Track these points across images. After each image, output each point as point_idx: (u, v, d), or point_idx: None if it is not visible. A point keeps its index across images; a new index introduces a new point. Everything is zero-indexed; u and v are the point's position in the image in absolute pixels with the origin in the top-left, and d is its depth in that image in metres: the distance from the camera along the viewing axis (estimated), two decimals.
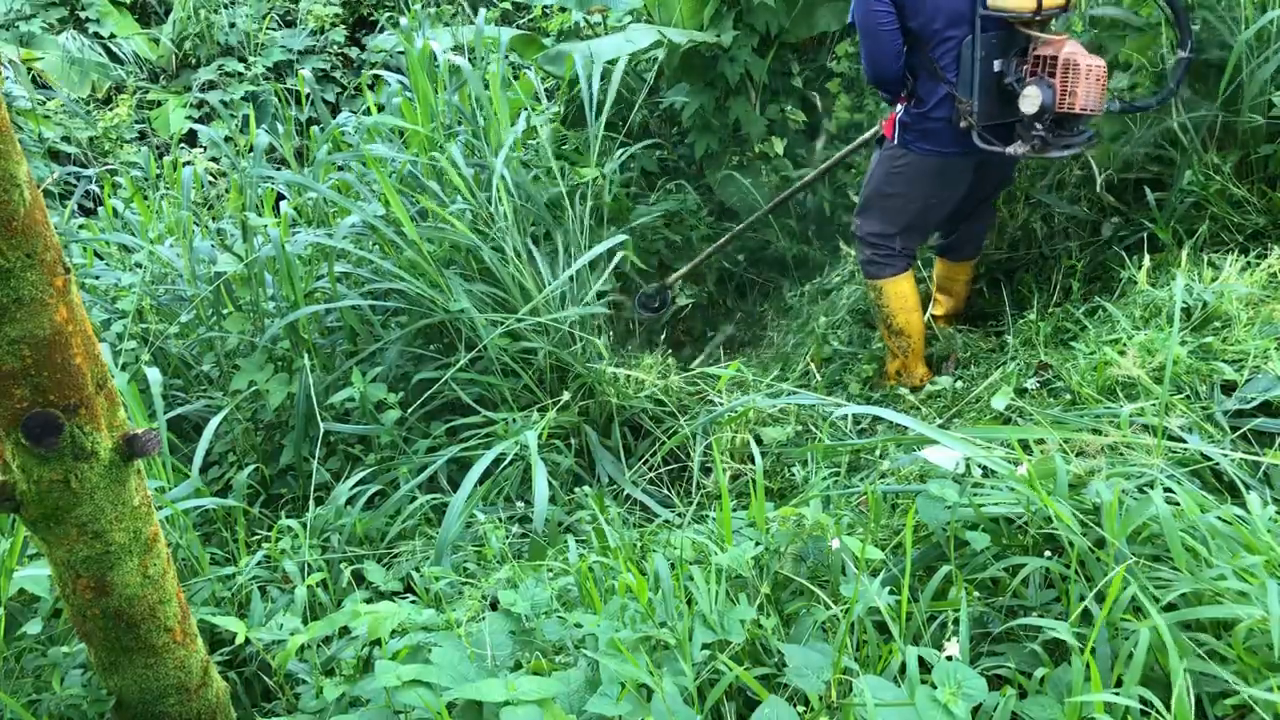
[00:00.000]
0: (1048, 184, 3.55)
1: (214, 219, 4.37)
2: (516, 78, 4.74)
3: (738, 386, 3.24)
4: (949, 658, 1.30)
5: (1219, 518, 1.46)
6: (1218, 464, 1.75)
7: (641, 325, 4.28)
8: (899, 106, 3.00)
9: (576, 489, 2.88)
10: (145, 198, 4.66)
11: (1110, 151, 3.29)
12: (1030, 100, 2.70)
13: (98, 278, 3.89)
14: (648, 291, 4.19)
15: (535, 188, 3.71)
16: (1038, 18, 2.71)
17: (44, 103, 6.97)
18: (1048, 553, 1.51)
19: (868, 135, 3.46)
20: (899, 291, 3.17)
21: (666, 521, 2.57)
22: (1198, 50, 2.88)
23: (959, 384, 2.95)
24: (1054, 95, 2.66)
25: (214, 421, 2.77)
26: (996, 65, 2.78)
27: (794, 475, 2.57)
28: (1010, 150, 2.81)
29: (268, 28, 8.80)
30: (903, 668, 1.30)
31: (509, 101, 4.27)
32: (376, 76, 4.50)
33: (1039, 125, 2.71)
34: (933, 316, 3.47)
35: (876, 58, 2.86)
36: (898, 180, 3.06)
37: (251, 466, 2.93)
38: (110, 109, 7.72)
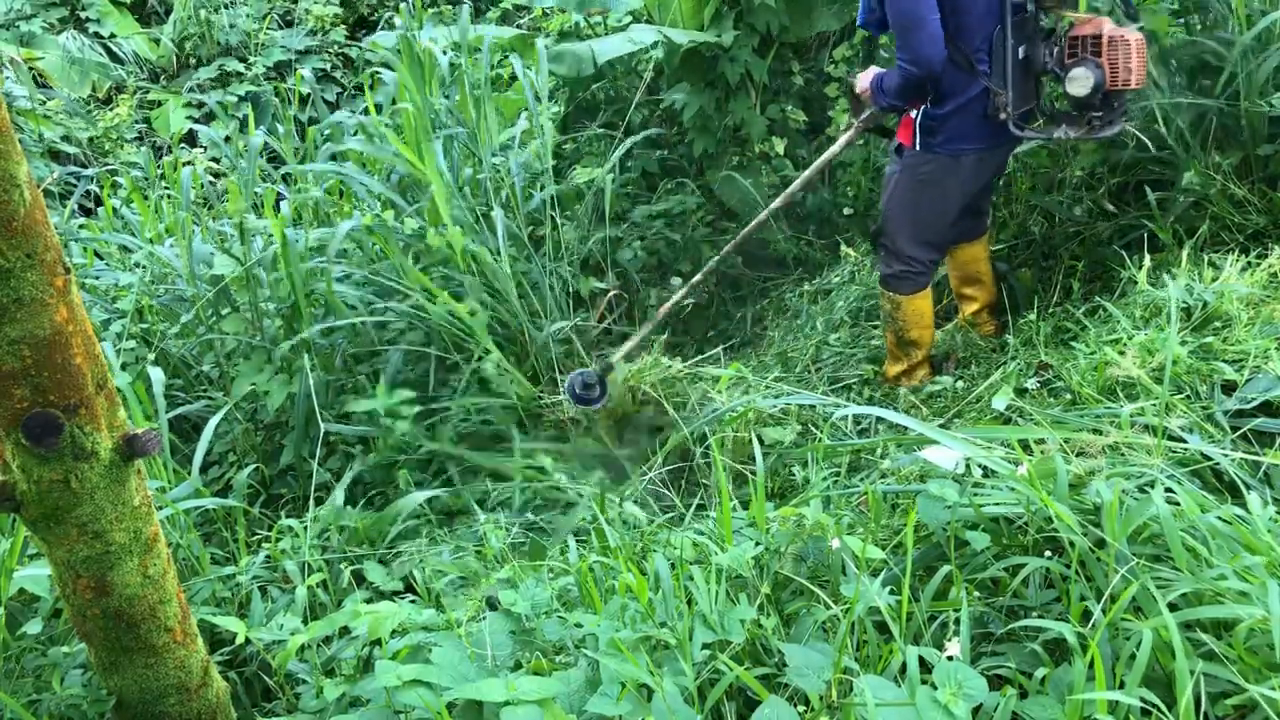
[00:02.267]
0: (1048, 184, 3.55)
1: (214, 219, 4.37)
2: (516, 78, 4.73)
3: (738, 386, 3.24)
4: (950, 657, 1.29)
5: (1219, 518, 1.45)
6: (1218, 464, 1.75)
7: (575, 414, 3.39)
8: (913, 110, 2.88)
9: None
10: (145, 198, 4.66)
11: (1108, 153, 3.29)
12: (1080, 82, 2.63)
13: (98, 278, 3.89)
14: (586, 378, 3.29)
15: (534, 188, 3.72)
16: None
17: (44, 103, 6.97)
18: (1048, 553, 1.51)
19: (836, 149, 3.19)
20: (917, 309, 3.09)
21: (665, 523, 2.57)
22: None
23: (959, 384, 2.95)
24: (1104, 74, 2.62)
25: (213, 421, 2.77)
26: (1020, 51, 2.72)
27: (794, 475, 2.57)
28: (1059, 134, 2.76)
29: (268, 28, 8.80)
30: (903, 668, 1.29)
31: (509, 102, 4.27)
32: (376, 75, 4.50)
33: (1091, 106, 2.66)
34: (969, 319, 3.34)
35: (926, 51, 2.66)
36: (928, 187, 2.92)
37: (251, 466, 2.93)
38: (110, 109, 7.72)
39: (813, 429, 2.89)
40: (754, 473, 1.84)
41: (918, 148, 2.89)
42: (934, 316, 3.18)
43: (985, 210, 3.25)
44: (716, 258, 3.48)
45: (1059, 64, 2.70)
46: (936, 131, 2.84)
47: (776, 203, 3.28)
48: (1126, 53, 2.61)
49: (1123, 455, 1.81)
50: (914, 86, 2.76)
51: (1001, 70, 2.72)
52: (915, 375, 3.18)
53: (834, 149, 3.18)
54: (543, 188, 3.89)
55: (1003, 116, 2.75)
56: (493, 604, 1.78)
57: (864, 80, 2.99)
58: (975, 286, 3.33)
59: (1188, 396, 2.06)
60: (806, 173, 3.23)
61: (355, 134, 3.87)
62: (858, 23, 2.94)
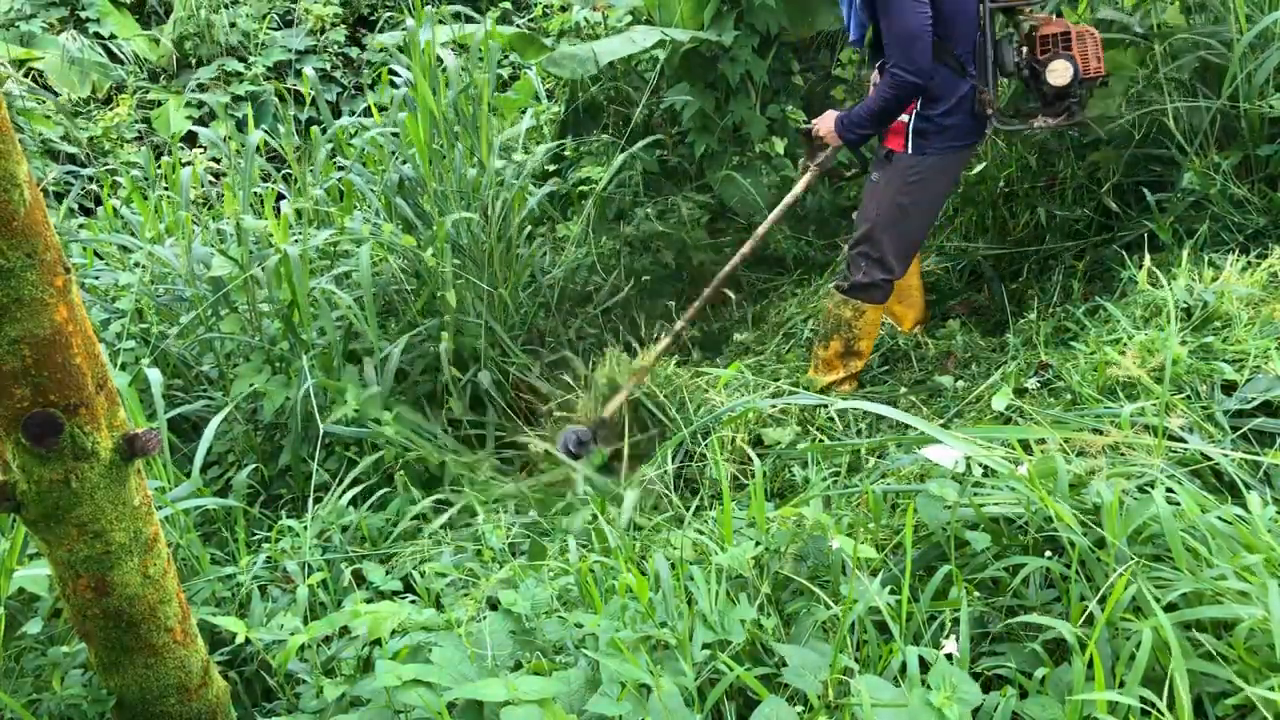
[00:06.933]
0: (1047, 185, 3.56)
1: (214, 219, 4.37)
2: (517, 78, 4.74)
3: (739, 385, 3.23)
4: (948, 655, 1.30)
5: (1219, 518, 1.45)
6: (1218, 464, 1.75)
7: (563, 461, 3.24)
8: (905, 115, 2.93)
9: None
10: (145, 197, 4.66)
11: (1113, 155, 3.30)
12: (1060, 73, 2.80)
13: (97, 278, 3.88)
14: (581, 435, 3.27)
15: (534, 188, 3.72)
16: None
17: (44, 102, 6.96)
18: (1048, 552, 1.51)
19: (796, 192, 3.20)
20: (875, 320, 3.17)
21: (664, 523, 2.57)
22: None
23: (959, 384, 2.95)
24: (1079, 65, 2.81)
25: (214, 421, 2.77)
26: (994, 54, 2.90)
27: (794, 475, 2.57)
28: (1039, 124, 2.93)
29: (268, 28, 8.80)
30: (903, 667, 1.30)
31: (510, 101, 4.26)
32: (379, 75, 4.50)
33: (1069, 95, 2.84)
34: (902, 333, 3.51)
35: (923, 61, 2.75)
36: (917, 189, 2.97)
37: (251, 466, 2.92)
38: (110, 109, 7.72)
39: (812, 429, 2.89)
40: (754, 473, 1.84)
41: (910, 151, 2.96)
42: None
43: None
44: (684, 319, 3.44)
45: (1034, 60, 2.86)
46: (929, 133, 2.94)
47: (744, 249, 3.29)
48: (1094, 44, 2.83)
49: (1123, 455, 1.81)
50: (907, 96, 2.84)
51: (984, 70, 2.89)
52: (843, 387, 3.19)
53: (794, 192, 3.23)
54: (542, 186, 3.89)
55: (989, 112, 2.90)
56: (493, 604, 1.78)
57: (825, 123, 3.06)
58: (907, 307, 3.51)
59: (1188, 396, 2.06)
60: (768, 220, 3.26)
61: (355, 135, 3.87)
62: (850, 41, 3.02)
